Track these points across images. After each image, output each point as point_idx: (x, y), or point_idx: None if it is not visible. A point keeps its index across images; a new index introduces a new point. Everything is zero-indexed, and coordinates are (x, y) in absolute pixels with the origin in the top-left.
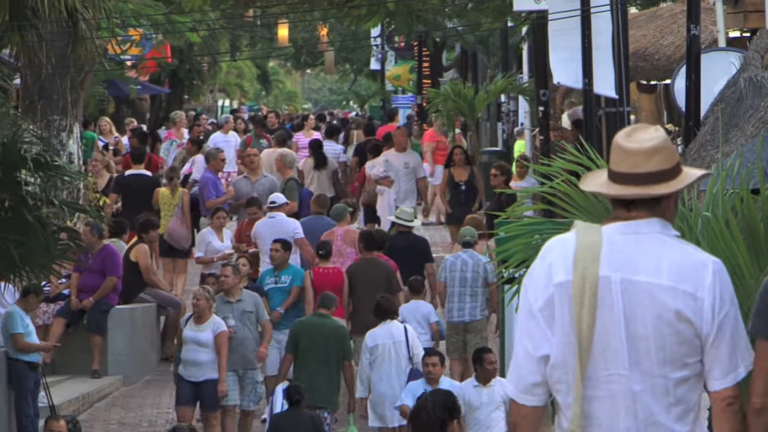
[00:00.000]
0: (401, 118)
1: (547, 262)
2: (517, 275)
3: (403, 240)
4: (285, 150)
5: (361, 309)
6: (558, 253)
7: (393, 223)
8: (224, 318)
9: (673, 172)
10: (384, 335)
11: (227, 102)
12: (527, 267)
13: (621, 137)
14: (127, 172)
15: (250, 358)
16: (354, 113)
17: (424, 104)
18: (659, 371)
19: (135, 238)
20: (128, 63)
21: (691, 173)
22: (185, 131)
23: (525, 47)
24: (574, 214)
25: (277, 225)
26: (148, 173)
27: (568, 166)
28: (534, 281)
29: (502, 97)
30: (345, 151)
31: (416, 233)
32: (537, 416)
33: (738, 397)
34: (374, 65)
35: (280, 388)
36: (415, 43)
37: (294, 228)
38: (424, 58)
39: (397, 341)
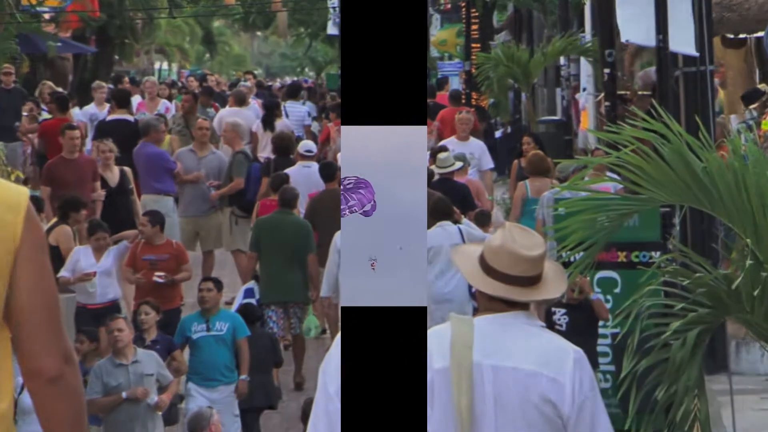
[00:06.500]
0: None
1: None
2: (573, 258)
3: (440, 188)
4: (237, 119)
5: (322, 237)
6: (435, 342)
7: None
8: (117, 386)
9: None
10: None
11: (165, 65)
12: (586, 249)
13: (510, 242)
14: (109, 117)
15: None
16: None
17: (473, 71)
18: None
19: (55, 219)
20: (45, 16)
21: (553, 273)
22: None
23: (587, 2)
24: (647, 189)
25: (314, 175)
26: (131, 118)
27: (640, 134)
28: None
29: (561, 60)
30: (309, 114)
31: (457, 181)
32: None
33: None
34: (332, 30)
35: (243, 288)
36: (463, 4)
37: None
38: (473, 20)
39: None
